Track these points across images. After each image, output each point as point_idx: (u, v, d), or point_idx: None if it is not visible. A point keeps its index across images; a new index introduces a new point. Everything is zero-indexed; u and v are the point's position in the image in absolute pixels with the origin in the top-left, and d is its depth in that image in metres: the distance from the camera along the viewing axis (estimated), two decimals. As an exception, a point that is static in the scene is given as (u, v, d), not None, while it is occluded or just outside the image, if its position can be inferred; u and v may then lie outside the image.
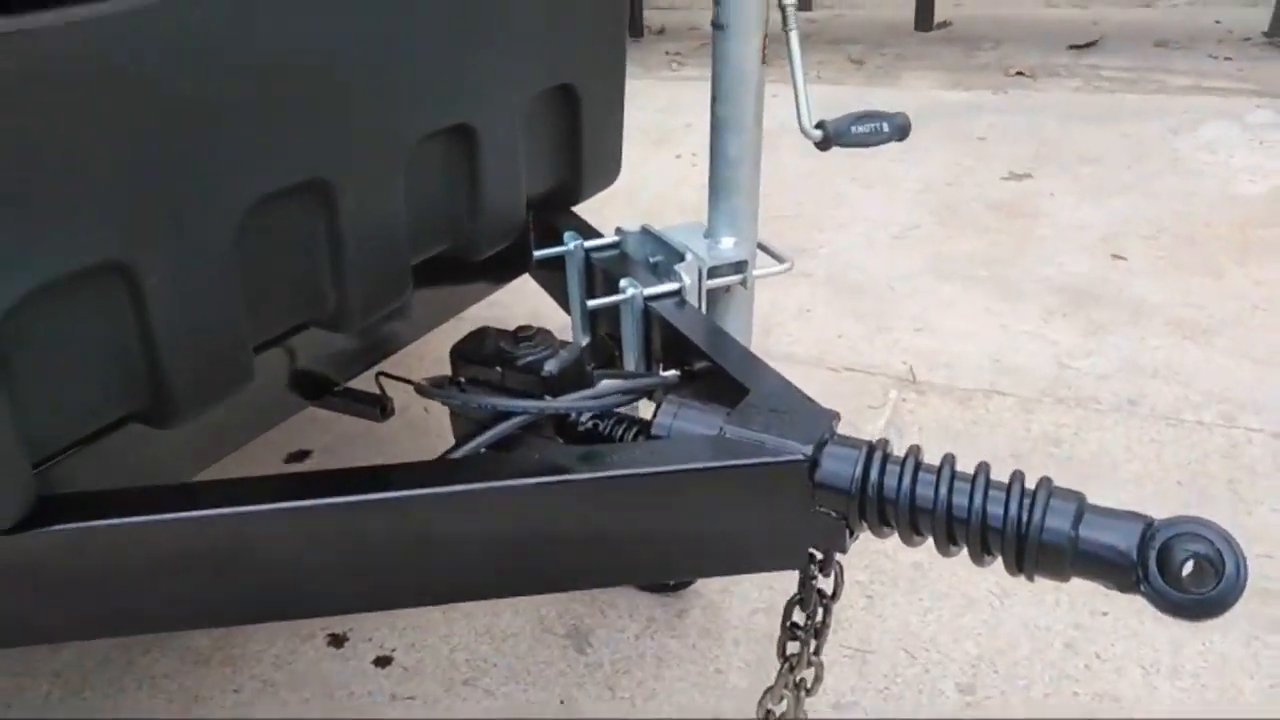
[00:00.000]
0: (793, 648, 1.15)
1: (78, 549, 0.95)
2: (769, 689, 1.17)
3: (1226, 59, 4.76)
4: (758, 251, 1.48)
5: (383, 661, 1.67)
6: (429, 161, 1.28)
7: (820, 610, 1.13)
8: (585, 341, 1.47)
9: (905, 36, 5.75)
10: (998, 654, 1.63)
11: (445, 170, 1.32)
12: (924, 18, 5.79)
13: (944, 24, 5.82)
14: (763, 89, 1.35)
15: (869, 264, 2.97)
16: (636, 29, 6.19)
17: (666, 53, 5.76)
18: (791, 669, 1.14)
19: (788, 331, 2.59)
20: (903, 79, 4.88)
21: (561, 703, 1.60)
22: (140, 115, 0.90)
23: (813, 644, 1.16)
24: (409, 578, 1.02)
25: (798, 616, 1.11)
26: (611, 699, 1.60)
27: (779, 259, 1.46)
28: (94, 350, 0.96)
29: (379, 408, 1.40)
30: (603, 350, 1.44)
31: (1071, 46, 5.17)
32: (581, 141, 1.56)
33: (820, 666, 1.19)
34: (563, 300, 1.59)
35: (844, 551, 1.03)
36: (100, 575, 0.97)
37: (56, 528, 0.93)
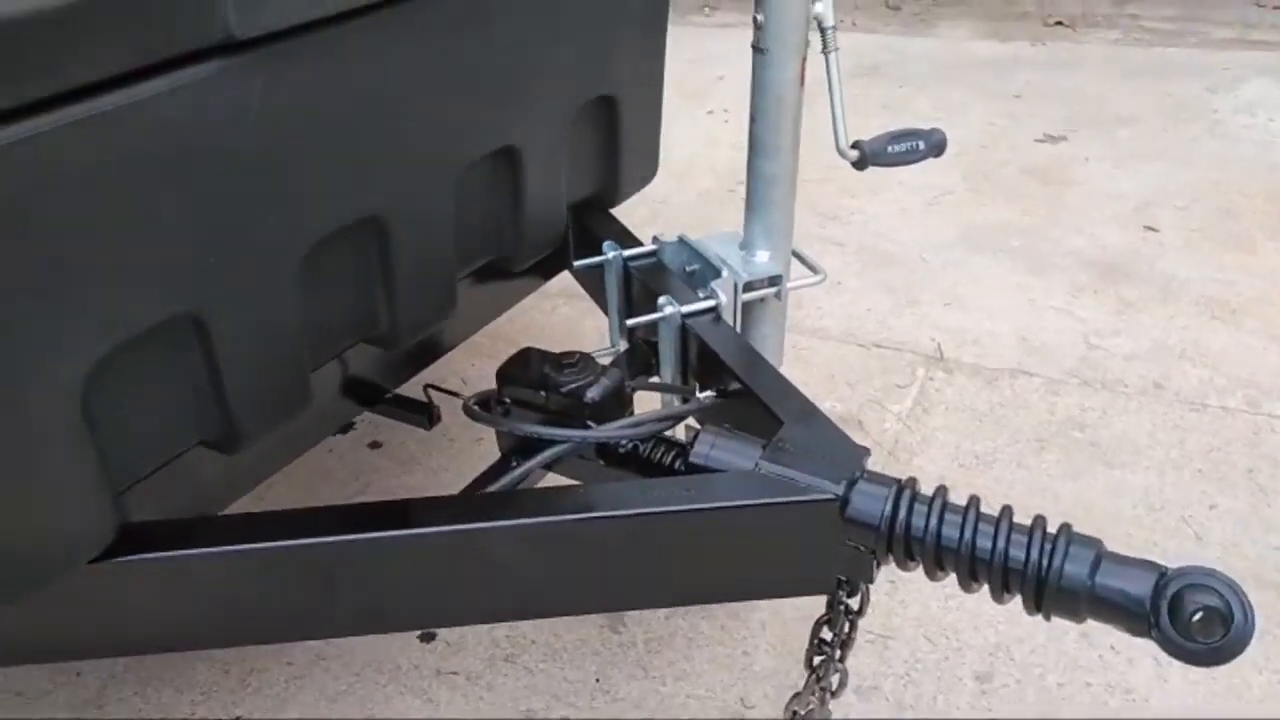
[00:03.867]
0: (819, 659, 1.22)
1: (158, 576, 1.03)
2: (796, 694, 1.25)
3: (1275, 7, 4.64)
4: (792, 260, 1.51)
5: (428, 637, 1.77)
6: (475, 183, 1.32)
7: (846, 625, 1.19)
8: (623, 348, 1.52)
9: (943, -21, 5.62)
10: (1015, 643, 1.70)
11: (490, 189, 1.36)
12: (963, -41, 5.65)
13: (983, -34, 5.68)
14: (800, 112, 1.37)
15: (901, 233, 2.98)
16: (668, -32, 6.09)
17: (698, -5, 5.68)
18: (819, 679, 1.21)
19: (818, 305, 2.62)
20: (939, 28, 4.80)
21: (597, 680, 1.69)
22: (198, 182, 0.95)
23: (839, 653, 1.23)
24: (455, 601, 1.09)
25: (825, 634, 1.17)
26: (644, 678, 1.69)
27: (814, 269, 1.50)
28: (169, 390, 1.03)
29: (426, 416, 1.46)
30: (640, 356, 1.49)
31: (1114, -7, 5.05)
32: (620, 147, 1.59)
33: (845, 672, 1.26)
34: (600, 299, 1.64)
35: (871, 581, 1.09)
36: (176, 598, 1.05)
37: (139, 556, 1.01)
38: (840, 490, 1.03)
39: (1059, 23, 4.65)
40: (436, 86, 1.18)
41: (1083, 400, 2.25)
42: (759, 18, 1.31)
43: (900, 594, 1.79)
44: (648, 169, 1.71)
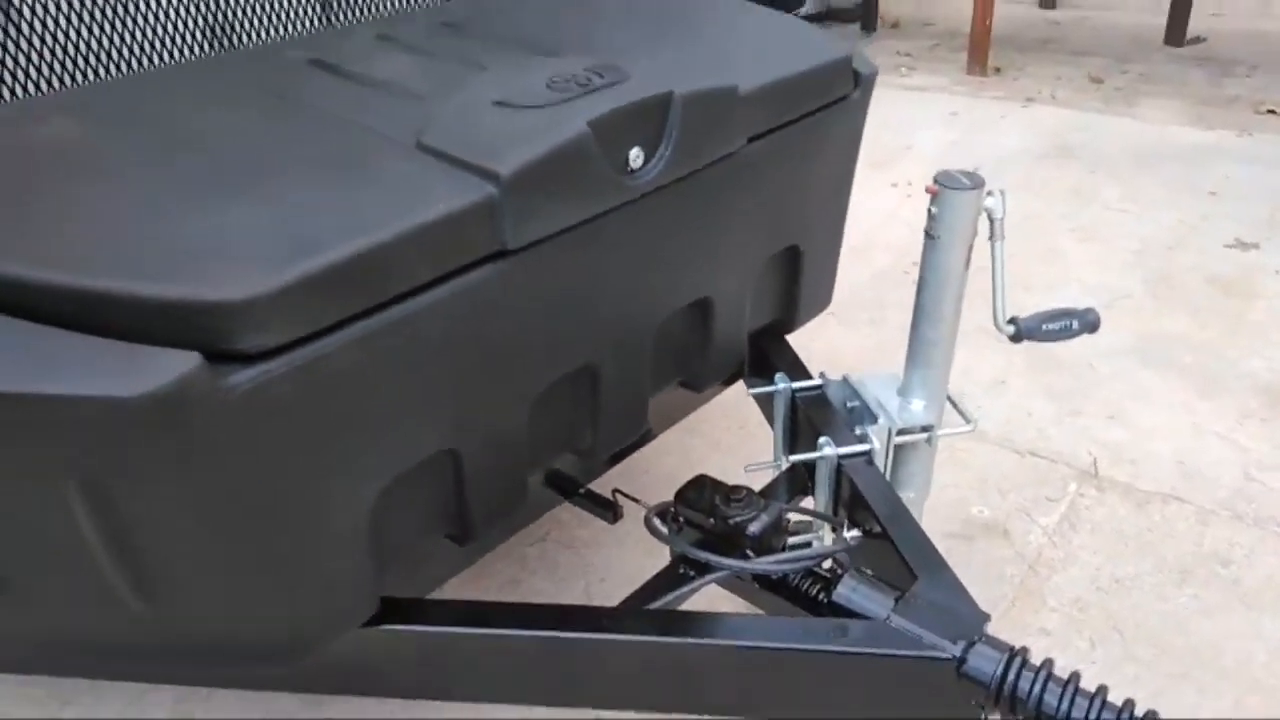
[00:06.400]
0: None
1: (404, 643, 1.32)
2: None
3: None
4: (946, 406, 1.69)
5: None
6: (671, 327, 1.57)
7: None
8: (784, 465, 1.73)
9: (1153, 51, 5.52)
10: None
11: (684, 331, 1.61)
12: (1176, 30, 5.53)
13: (1197, 39, 5.54)
14: (964, 288, 1.55)
15: (1070, 336, 3.05)
16: (870, 23, 6.21)
17: (897, 53, 5.77)
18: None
19: (977, 404, 2.74)
20: (1140, 107, 4.75)
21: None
22: (466, 356, 1.23)
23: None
24: (609, 691, 1.36)
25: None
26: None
27: (966, 418, 1.67)
28: (426, 499, 1.32)
29: (611, 513, 1.73)
30: (799, 477, 1.70)
31: (1338, 80, 4.86)
32: (800, 284, 1.81)
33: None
34: (769, 415, 1.85)
35: (978, 730, 1.27)
36: (416, 662, 1.35)
37: (397, 627, 1.31)
38: (959, 651, 1.22)
39: (1270, 110, 4.52)
40: (653, 262, 1.43)
41: (1232, 535, 2.29)
42: (933, 210, 1.50)
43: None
44: (823, 299, 1.92)
